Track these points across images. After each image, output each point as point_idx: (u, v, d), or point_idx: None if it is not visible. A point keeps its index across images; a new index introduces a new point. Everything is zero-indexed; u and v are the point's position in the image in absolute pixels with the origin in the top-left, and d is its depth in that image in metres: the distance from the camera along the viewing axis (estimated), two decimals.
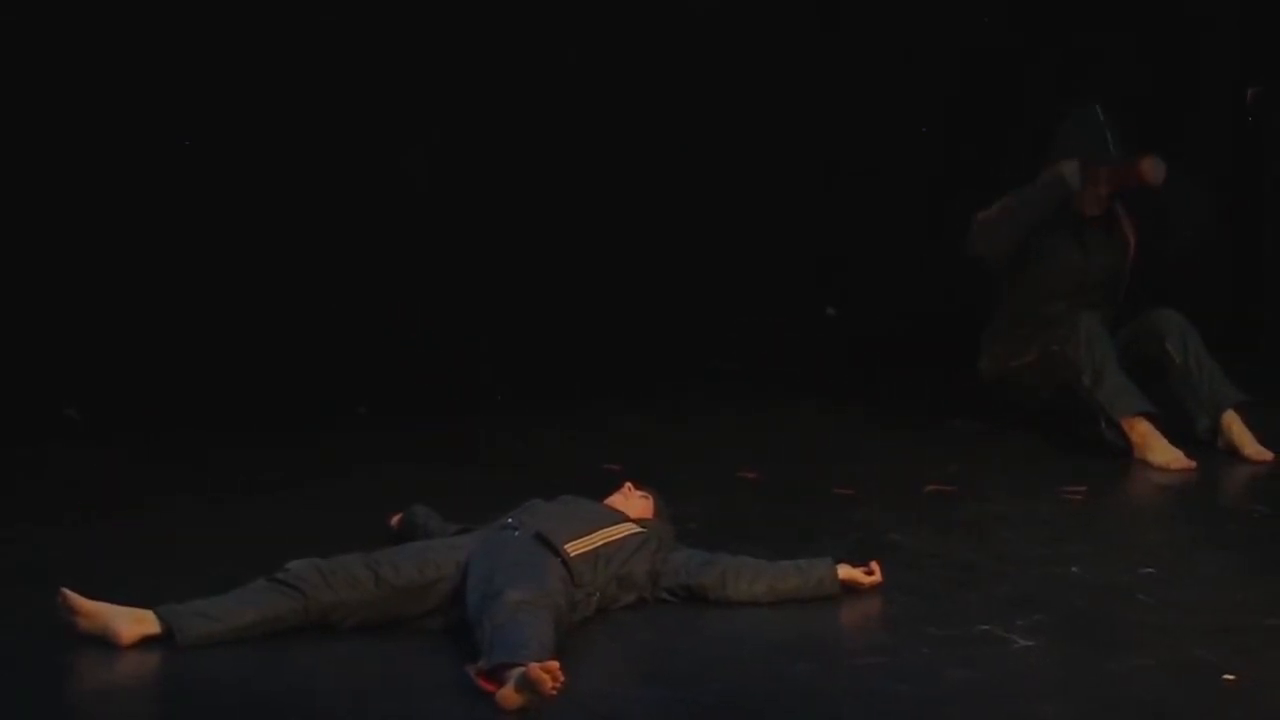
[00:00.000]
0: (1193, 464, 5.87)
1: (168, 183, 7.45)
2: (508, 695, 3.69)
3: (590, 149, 8.00)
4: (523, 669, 3.68)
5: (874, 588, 4.56)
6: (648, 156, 8.05)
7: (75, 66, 7.22)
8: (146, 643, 4.02)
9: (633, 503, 4.60)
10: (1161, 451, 5.89)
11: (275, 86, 7.50)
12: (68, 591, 4.04)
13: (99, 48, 7.22)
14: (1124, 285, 6.35)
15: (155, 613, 4.04)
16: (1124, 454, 5.96)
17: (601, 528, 4.38)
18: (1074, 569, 4.81)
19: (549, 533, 4.26)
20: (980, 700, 3.87)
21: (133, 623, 4.02)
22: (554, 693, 3.68)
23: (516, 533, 4.29)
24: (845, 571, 4.55)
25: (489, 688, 3.74)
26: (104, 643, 4.01)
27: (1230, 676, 3.95)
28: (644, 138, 8.03)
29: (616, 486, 4.70)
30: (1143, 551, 5.04)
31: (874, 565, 4.59)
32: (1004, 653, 4.15)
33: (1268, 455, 5.99)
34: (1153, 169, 6.00)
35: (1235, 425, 6.03)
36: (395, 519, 4.86)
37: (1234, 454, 6.03)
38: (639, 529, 4.47)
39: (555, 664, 3.72)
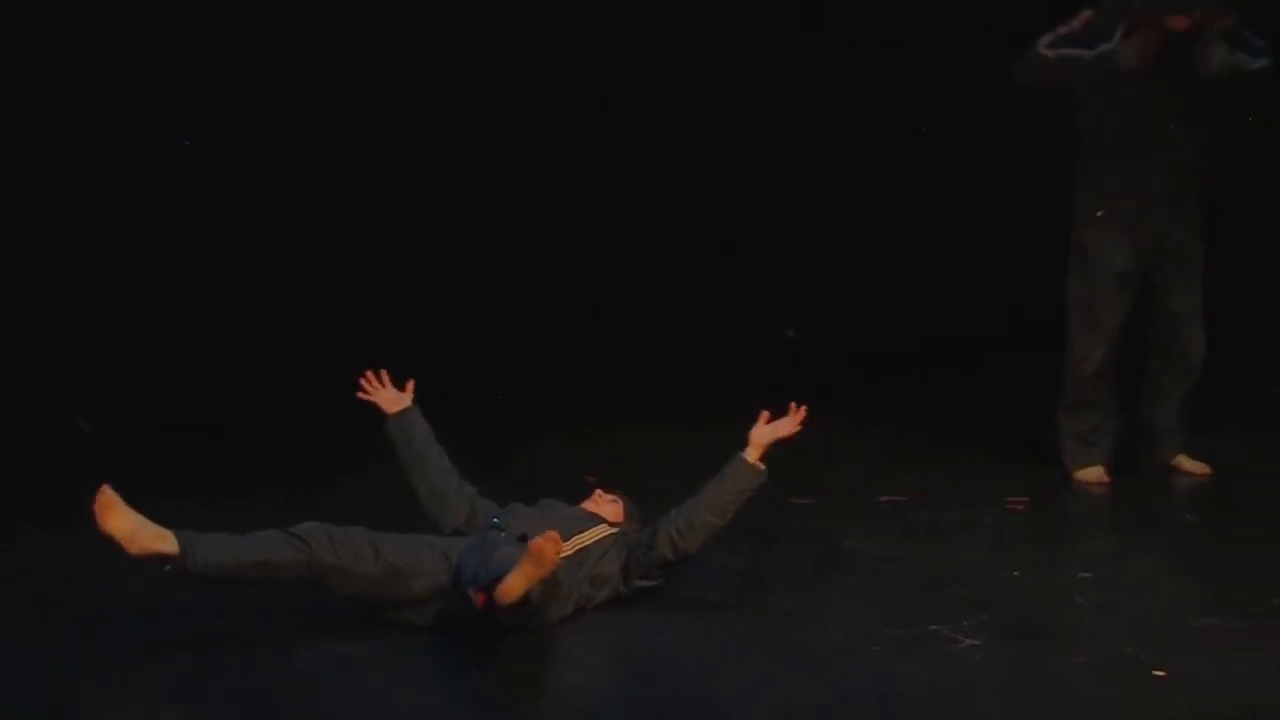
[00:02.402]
0: (1108, 480, 5.83)
1: (175, 196, 7.36)
2: (510, 585, 3.64)
3: (578, 161, 7.88)
4: (528, 542, 3.63)
5: (792, 434, 4.40)
6: (634, 172, 7.94)
7: (79, 75, 7.10)
8: (161, 558, 3.97)
9: (604, 507, 4.56)
10: (1084, 471, 5.88)
11: (274, 104, 7.42)
12: (109, 488, 3.94)
13: (106, 56, 7.10)
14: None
15: (174, 534, 3.96)
16: (1060, 470, 5.93)
17: (579, 532, 4.35)
18: (1016, 573, 4.82)
19: (534, 536, 4.12)
20: (931, 695, 3.88)
21: (152, 537, 3.94)
22: (557, 558, 3.63)
23: (503, 534, 4.27)
24: (763, 438, 4.37)
25: (480, 596, 3.73)
26: (110, 638, 4.00)
27: (1160, 672, 3.97)
28: (630, 152, 7.91)
29: (587, 494, 4.66)
30: (1080, 558, 5.10)
31: (793, 408, 4.39)
32: (953, 651, 4.15)
33: (1204, 469, 5.95)
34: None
35: (1186, 464, 5.96)
36: (390, 403, 4.61)
37: (1163, 465, 6.01)
38: (611, 530, 4.45)
39: (554, 533, 3.65)
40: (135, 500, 5.26)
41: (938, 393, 7.21)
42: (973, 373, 7.47)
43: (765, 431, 4.40)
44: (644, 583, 4.39)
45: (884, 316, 8.04)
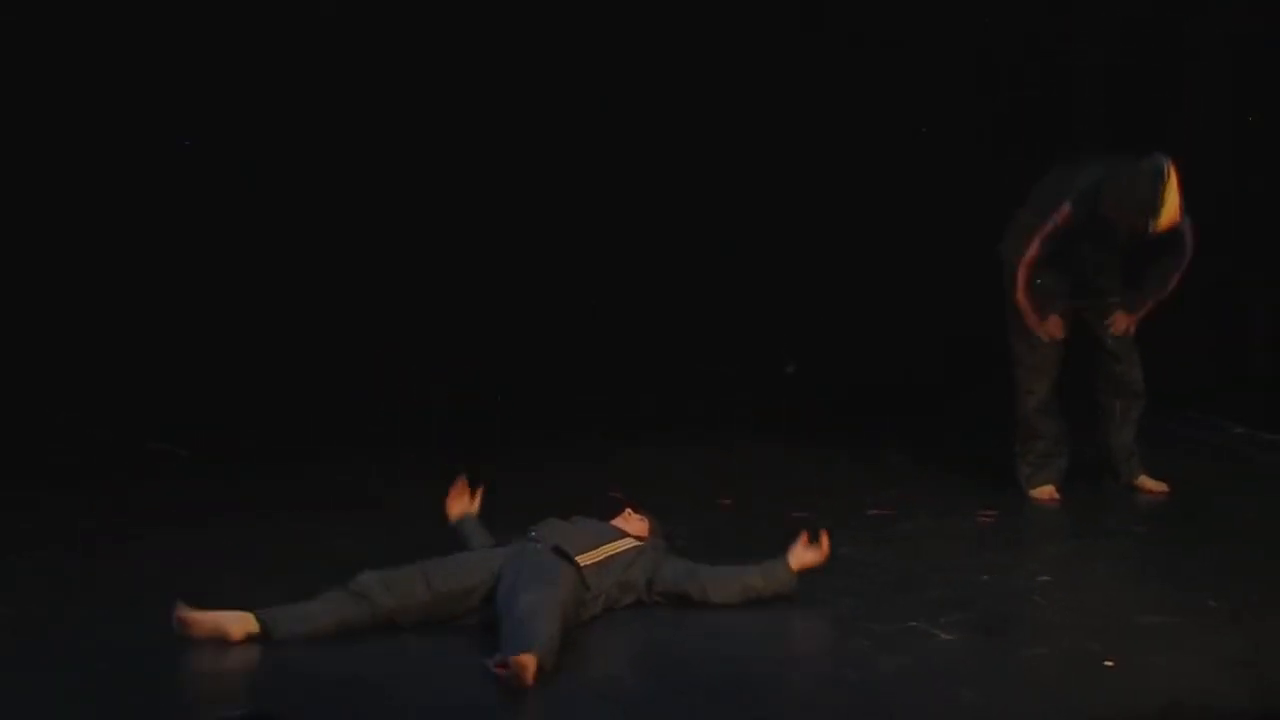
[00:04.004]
0: (1058, 497, 5.95)
1: (172, 197, 7.06)
2: (503, 679, 3.91)
3: (577, 161, 7.52)
4: (515, 658, 3.90)
5: (823, 561, 4.61)
6: (633, 172, 7.54)
7: (79, 75, 6.77)
8: (250, 639, 4.23)
9: (632, 523, 4.76)
10: (1037, 490, 6.00)
11: (274, 105, 7.09)
12: (182, 606, 4.22)
13: (106, 56, 6.80)
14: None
15: (255, 615, 4.25)
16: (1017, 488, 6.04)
17: (607, 543, 4.58)
18: (986, 577, 4.98)
19: (565, 546, 4.48)
20: (911, 683, 4.07)
21: (238, 624, 4.23)
22: (532, 682, 3.86)
23: (538, 545, 4.47)
24: (798, 563, 4.64)
25: (501, 671, 3.96)
26: (211, 640, 4.20)
27: (1110, 663, 4.19)
28: (630, 151, 7.56)
29: (618, 511, 4.83)
30: (1041, 563, 5.24)
31: (823, 536, 4.65)
32: (931, 644, 4.34)
33: (1163, 487, 6.06)
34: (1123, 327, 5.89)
35: (1148, 484, 6.09)
36: (455, 508, 4.79)
37: (1127, 484, 6.06)
38: (637, 543, 4.67)
39: (533, 659, 3.88)
40: (227, 511, 5.41)
41: (916, 421, 7.24)
42: (946, 403, 7.46)
43: (802, 558, 4.62)
44: (660, 599, 4.60)
45: (869, 345, 7.85)
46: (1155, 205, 5.61)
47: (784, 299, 7.93)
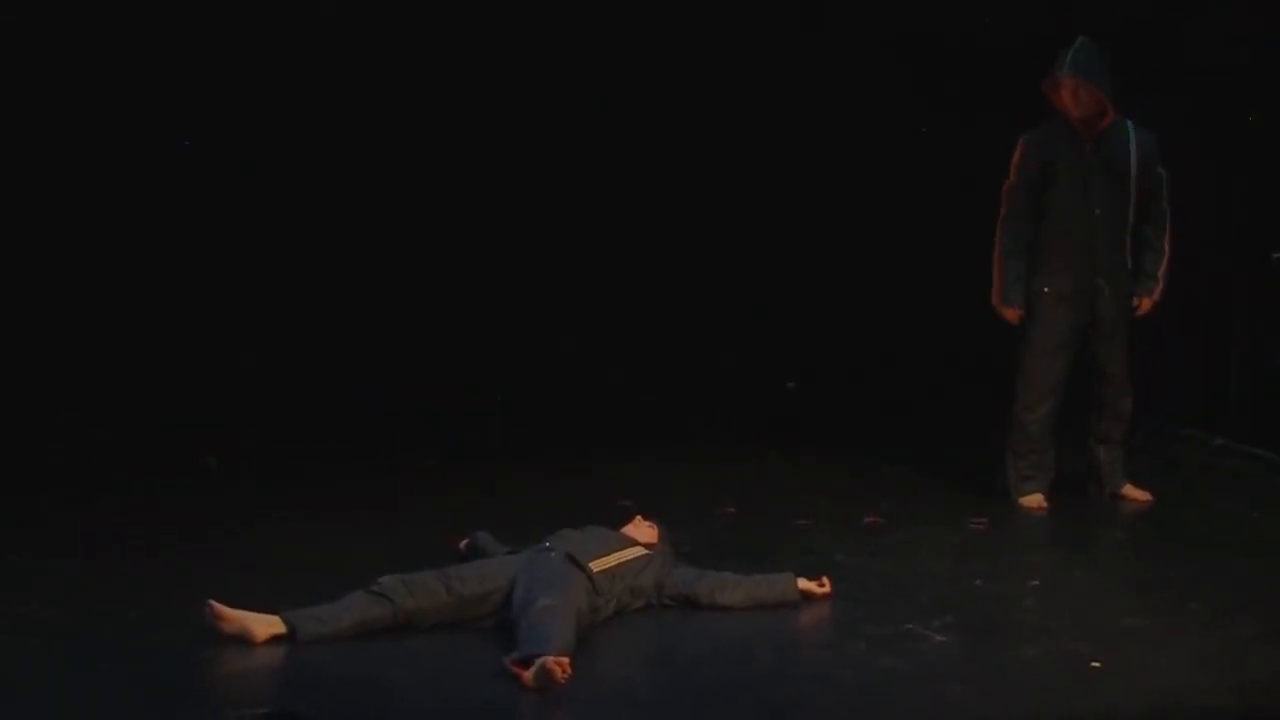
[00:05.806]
0: (1046, 506, 6.03)
1: (171, 199, 7.04)
2: (529, 677, 4.04)
3: (576, 161, 7.47)
4: (542, 660, 4.02)
5: (824, 597, 4.82)
6: (633, 173, 7.50)
7: (79, 75, 6.73)
8: (274, 640, 4.32)
9: (642, 531, 4.89)
10: (1027, 499, 6.10)
11: (275, 105, 7.08)
12: (214, 602, 4.33)
13: (106, 56, 6.76)
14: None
15: (281, 616, 4.35)
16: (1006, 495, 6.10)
17: (618, 550, 4.71)
18: (977, 582, 5.08)
19: (578, 554, 4.60)
20: (906, 682, 4.17)
21: (264, 625, 4.33)
22: (563, 681, 3.99)
23: (552, 554, 4.59)
24: (803, 584, 4.83)
25: (518, 670, 4.06)
26: (233, 640, 4.29)
27: (1097, 664, 4.29)
28: (629, 152, 7.51)
29: (629, 518, 4.96)
30: (1030, 568, 5.32)
31: (825, 580, 4.88)
32: (924, 646, 4.44)
33: (1147, 496, 6.18)
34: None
35: (1132, 493, 6.18)
36: (463, 543, 5.08)
37: (1112, 494, 6.14)
38: (647, 550, 4.79)
39: (566, 659, 4.04)
40: (248, 518, 5.46)
41: (912, 431, 7.31)
42: (939, 415, 7.52)
43: (808, 585, 4.82)
44: (669, 602, 4.74)
45: (866, 354, 7.86)
46: (1064, 57, 5.79)
47: (782, 307, 7.95)
